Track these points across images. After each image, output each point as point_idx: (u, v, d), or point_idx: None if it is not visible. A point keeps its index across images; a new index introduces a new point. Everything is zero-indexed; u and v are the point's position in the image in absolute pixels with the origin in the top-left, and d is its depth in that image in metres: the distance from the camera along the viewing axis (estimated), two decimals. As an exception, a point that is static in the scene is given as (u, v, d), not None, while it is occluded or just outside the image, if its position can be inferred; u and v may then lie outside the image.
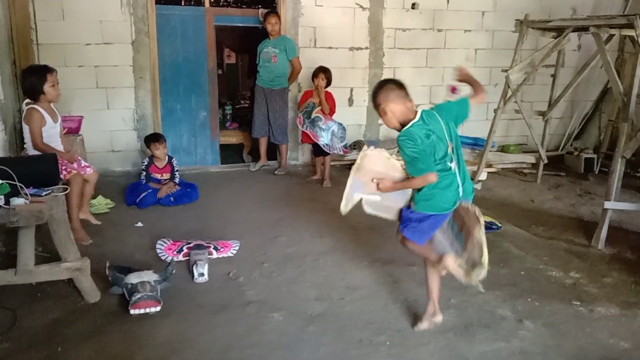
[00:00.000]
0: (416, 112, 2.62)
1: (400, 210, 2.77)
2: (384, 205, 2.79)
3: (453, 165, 2.59)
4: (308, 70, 5.99)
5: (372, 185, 2.71)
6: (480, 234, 2.54)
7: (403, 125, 2.61)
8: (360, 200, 2.77)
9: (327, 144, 5.53)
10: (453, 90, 2.89)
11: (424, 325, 2.86)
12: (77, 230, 3.88)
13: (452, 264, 2.62)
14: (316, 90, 5.67)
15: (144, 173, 4.97)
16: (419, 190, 2.62)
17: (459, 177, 2.61)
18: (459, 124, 2.70)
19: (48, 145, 3.82)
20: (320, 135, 5.51)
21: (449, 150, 2.59)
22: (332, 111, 5.71)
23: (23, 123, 3.83)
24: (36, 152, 3.78)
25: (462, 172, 2.63)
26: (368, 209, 2.80)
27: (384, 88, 2.66)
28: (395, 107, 2.62)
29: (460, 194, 2.62)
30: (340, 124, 5.60)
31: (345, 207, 2.76)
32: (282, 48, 5.81)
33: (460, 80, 2.83)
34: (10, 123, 4.47)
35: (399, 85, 2.67)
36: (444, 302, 3.15)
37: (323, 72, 5.63)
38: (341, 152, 5.69)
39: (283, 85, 5.96)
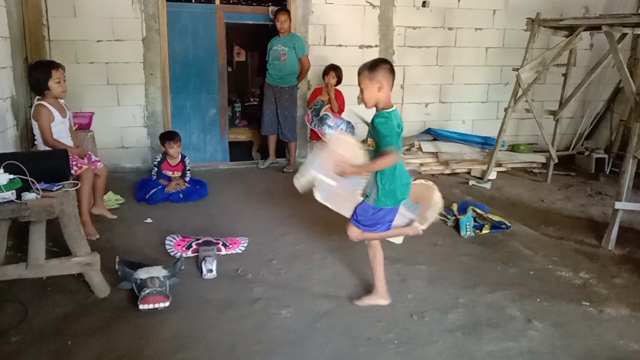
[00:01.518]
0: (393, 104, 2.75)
1: (354, 208, 2.90)
2: (336, 194, 2.87)
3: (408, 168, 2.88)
4: (318, 68, 5.99)
5: (332, 168, 2.81)
6: (439, 198, 2.96)
7: (377, 107, 2.75)
8: (313, 185, 2.85)
9: None
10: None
11: (363, 302, 3.05)
12: (87, 225, 3.91)
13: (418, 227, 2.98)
14: (326, 88, 5.66)
15: (156, 169, 4.98)
16: (381, 188, 2.77)
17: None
18: None
19: (58, 140, 3.85)
20: (328, 134, 5.51)
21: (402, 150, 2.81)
22: (340, 109, 5.71)
23: (32, 120, 3.86)
24: (47, 148, 3.81)
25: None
26: (318, 196, 2.88)
27: (385, 66, 2.71)
28: (386, 87, 2.70)
29: (407, 190, 2.88)
30: (348, 122, 5.60)
31: (297, 181, 2.87)
32: (291, 46, 5.80)
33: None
34: (22, 119, 4.51)
35: (393, 72, 2.75)
36: (451, 301, 3.16)
37: (334, 70, 5.63)
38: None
39: (292, 83, 5.96)
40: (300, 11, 6.13)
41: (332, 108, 5.59)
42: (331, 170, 2.79)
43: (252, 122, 7.32)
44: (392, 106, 2.75)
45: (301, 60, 5.89)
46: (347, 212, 2.93)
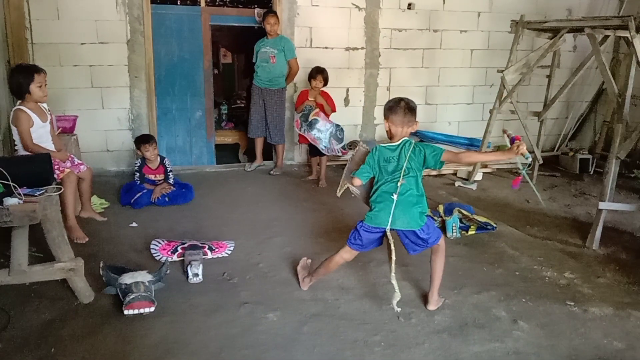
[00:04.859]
0: (402, 138, 2.95)
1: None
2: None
3: (394, 197, 2.85)
4: (304, 70, 5.99)
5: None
6: (392, 267, 2.97)
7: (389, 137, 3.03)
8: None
9: (326, 147, 5.53)
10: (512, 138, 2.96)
11: (304, 285, 3.28)
12: (74, 229, 3.87)
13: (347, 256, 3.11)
14: (313, 90, 5.66)
15: (138, 174, 4.92)
16: (371, 207, 2.99)
17: (393, 208, 2.86)
18: (427, 168, 2.97)
19: (38, 145, 3.80)
20: (319, 138, 5.51)
21: (398, 183, 2.86)
22: (333, 110, 5.72)
23: (11, 125, 3.81)
24: (27, 153, 3.76)
25: (402, 207, 2.87)
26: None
27: (396, 107, 2.94)
28: (389, 125, 2.98)
29: (389, 221, 2.87)
30: (337, 125, 5.60)
31: (339, 191, 3.19)
32: (280, 48, 5.79)
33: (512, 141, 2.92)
34: (5, 123, 4.46)
35: (410, 108, 2.95)
36: (438, 302, 3.16)
37: (320, 74, 5.63)
38: (339, 154, 5.69)
39: (280, 86, 5.95)
40: (286, 13, 6.13)
41: (323, 111, 5.59)
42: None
43: (238, 125, 7.30)
44: (396, 140, 2.96)
45: (290, 63, 5.88)
46: None
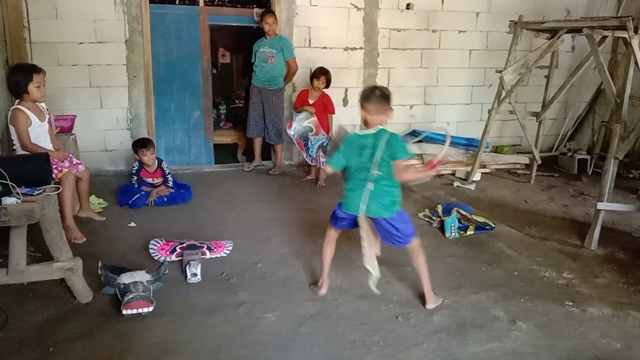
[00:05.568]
0: (378, 127, 2.94)
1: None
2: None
3: (369, 185, 2.89)
4: (303, 70, 5.98)
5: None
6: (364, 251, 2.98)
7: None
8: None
9: (311, 155, 5.53)
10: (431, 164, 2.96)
11: (322, 290, 3.25)
12: (72, 229, 3.87)
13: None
14: (314, 91, 5.66)
15: (135, 177, 4.87)
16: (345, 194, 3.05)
17: (365, 194, 2.90)
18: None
19: (36, 145, 3.80)
20: (307, 147, 5.51)
21: (372, 171, 2.88)
22: (332, 112, 5.73)
23: (9, 124, 3.80)
24: (26, 153, 3.75)
25: (373, 196, 2.91)
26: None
27: (370, 96, 2.96)
28: (364, 114, 2.98)
29: (360, 207, 2.93)
30: (329, 139, 5.57)
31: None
32: (279, 48, 5.79)
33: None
34: (3, 123, 4.45)
35: (384, 96, 2.96)
36: (437, 302, 3.16)
37: (324, 75, 5.62)
38: (322, 166, 5.58)
39: (279, 86, 5.94)
40: (285, 13, 6.12)
41: (323, 113, 5.59)
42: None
43: (237, 125, 7.29)
44: (371, 128, 2.97)
45: (288, 63, 5.87)
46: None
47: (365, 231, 2.97)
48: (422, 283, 3.13)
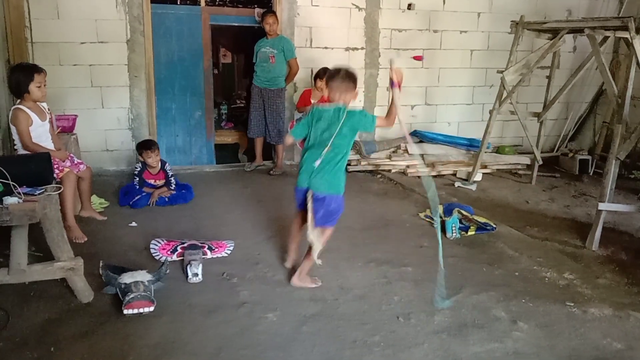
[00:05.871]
0: (338, 104, 3.11)
1: None
2: None
3: (317, 162, 3.05)
4: (304, 70, 5.98)
5: None
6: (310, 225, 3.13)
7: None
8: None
9: None
10: (393, 85, 3.15)
11: (286, 264, 3.52)
12: (73, 228, 3.87)
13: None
14: (317, 91, 5.65)
15: (137, 179, 4.86)
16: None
17: (314, 168, 3.07)
18: (359, 131, 3.16)
19: (37, 144, 3.80)
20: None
21: (325, 148, 3.04)
22: None
23: (10, 124, 3.81)
24: (27, 152, 3.76)
25: (321, 171, 3.08)
26: None
27: (335, 75, 3.13)
28: (328, 92, 3.18)
29: (307, 180, 3.11)
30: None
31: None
32: (280, 48, 5.79)
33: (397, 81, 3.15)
34: (4, 122, 4.46)
35: (349, 76, 3.12)
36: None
37: None
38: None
39: (280, 86, 5.95)
40: (286, 13, 6.13)
41: None
42: None
43: (238, 125, 7.29)
44: (329, 104, 3.16)
45: (290, 63, 5.87)
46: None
47: (311, 205, 3.11)
48: (305, 260, 3.28)
